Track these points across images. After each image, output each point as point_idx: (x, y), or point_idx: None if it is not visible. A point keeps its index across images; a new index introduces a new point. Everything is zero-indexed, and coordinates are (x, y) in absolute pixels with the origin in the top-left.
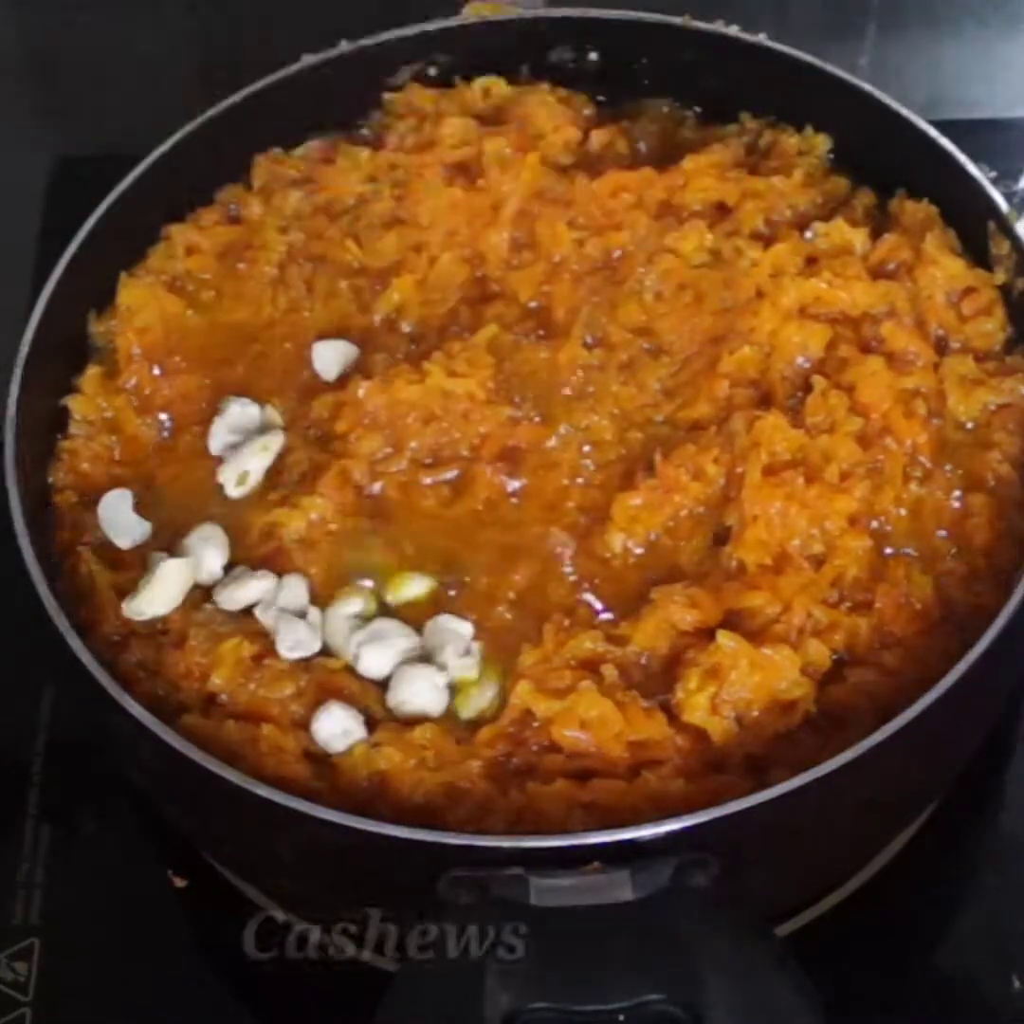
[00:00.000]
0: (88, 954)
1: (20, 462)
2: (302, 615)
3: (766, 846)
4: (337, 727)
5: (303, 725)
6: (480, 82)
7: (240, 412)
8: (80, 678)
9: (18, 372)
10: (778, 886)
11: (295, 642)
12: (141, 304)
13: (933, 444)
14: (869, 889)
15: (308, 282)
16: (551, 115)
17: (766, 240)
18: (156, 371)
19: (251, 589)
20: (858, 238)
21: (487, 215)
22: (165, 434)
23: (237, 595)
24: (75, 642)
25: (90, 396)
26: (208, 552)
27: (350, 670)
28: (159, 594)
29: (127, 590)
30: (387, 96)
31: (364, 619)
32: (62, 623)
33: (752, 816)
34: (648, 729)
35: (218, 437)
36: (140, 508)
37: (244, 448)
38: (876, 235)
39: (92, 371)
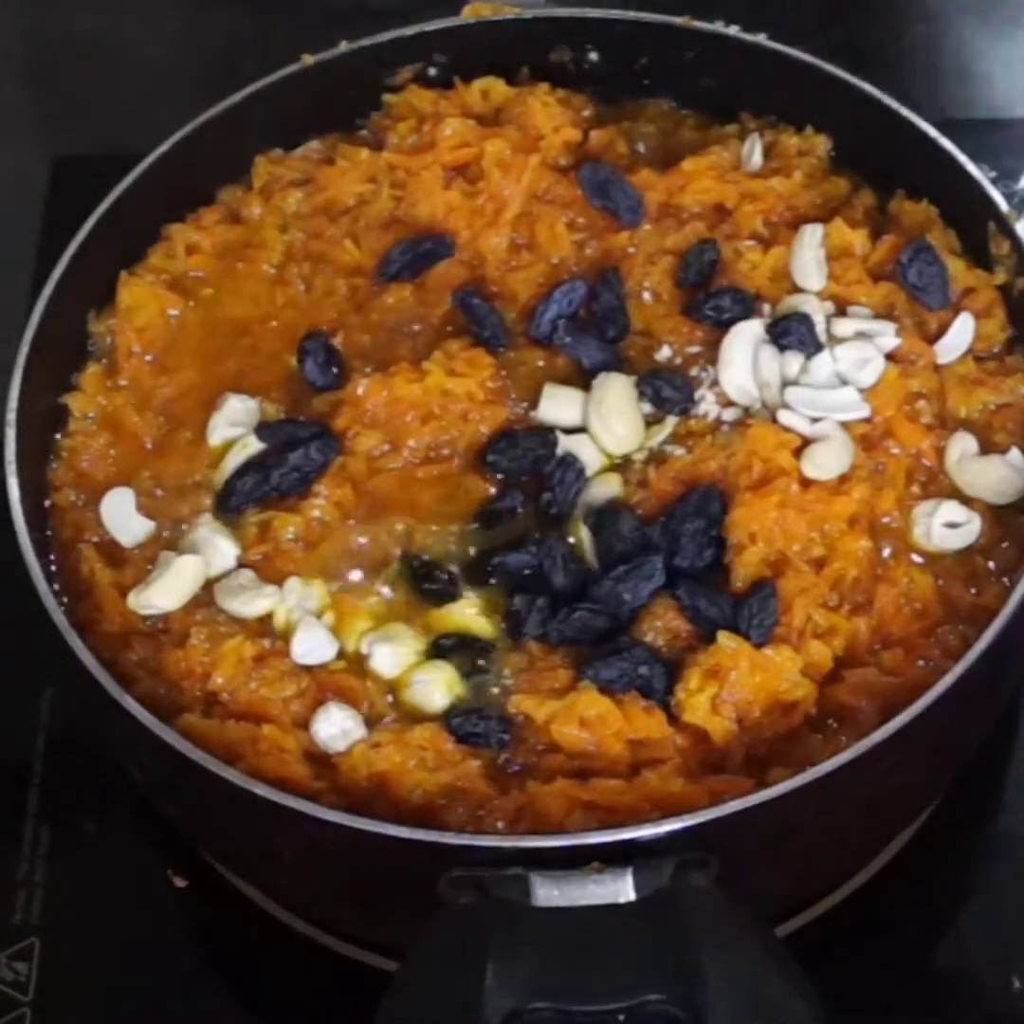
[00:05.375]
0: (88, 954)
1: (20, 460)
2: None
3: (766, 846)
4: (337, 727)
5: (303, 725)
6: (479, 83)
7: (239, 407)
8: (80, 677)
9: (18, 371)
10: (778, 886)
11: (310, 647)
12: (141, 303)
13: (937, 447)
14: (869, 889)
15: (307, 281)
16: (551, 116)
17: (766, 242)
18: (155, 369)
19: (260, 604)
20: (858, 239)
21: (486, 217)
22: (164, 431)
23: (246, 609)
24: (75, 641)
25: (90, 394)
26: (216, 548)
27: (351, 670)
28: (172, 587)
29: (128, 588)
30: (387, 97)
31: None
32: (62, 622)
33: (752, 816)
34: (648, 727)
35: (218, 431)
36: (139, 506)
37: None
38: (876, 236)
39: (92, 369)
